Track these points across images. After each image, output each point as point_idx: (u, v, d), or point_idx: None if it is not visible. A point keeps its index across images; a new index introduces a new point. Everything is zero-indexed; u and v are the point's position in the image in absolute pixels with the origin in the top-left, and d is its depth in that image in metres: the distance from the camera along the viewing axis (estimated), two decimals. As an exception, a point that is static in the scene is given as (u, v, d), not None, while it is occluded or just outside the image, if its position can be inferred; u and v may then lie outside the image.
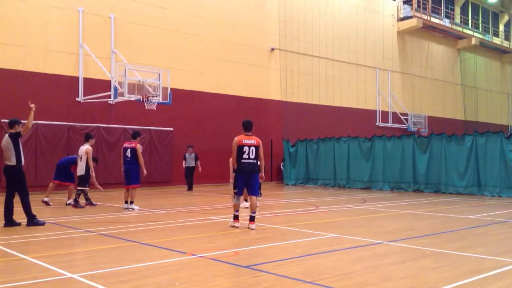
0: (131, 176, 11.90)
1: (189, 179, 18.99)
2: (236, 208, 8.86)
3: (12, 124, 9.19)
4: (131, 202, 11.99)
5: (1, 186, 14.24)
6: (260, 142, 8.82)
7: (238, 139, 8.61)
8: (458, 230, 8.80)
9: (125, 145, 12.24)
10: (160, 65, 18.54)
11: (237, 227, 8.74)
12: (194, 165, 18.90)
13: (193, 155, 18.96)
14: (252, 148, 8.57)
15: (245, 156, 8.52)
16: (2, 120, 16.05)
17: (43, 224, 9.08)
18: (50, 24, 17.75)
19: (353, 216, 11.04)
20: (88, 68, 18.46)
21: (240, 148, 8.53)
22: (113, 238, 7.80)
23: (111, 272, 5.48)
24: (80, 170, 12.46)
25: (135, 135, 12.33)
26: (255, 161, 8.63)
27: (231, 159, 8.83)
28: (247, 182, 8.73)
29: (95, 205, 12.68)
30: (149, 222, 9.84)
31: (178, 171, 20.39)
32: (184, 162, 19.01)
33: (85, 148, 12.44)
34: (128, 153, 11.95)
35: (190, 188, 18.93)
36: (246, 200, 11.89)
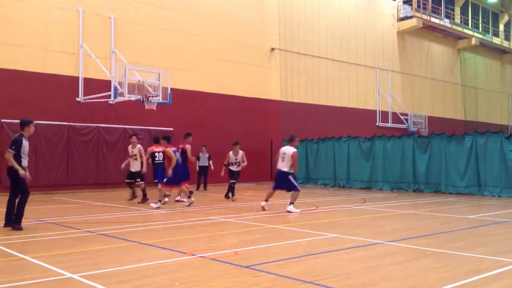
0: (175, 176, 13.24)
1: (204, 178, 19.10)
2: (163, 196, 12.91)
3: (22, 124, 9.03)
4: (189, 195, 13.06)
5: (2, 186, 14.27)
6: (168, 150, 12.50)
7: (150, 148, 13.45)
8: (458, 230, 8.81)
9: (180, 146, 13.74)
10: (160, 65, 18.50)
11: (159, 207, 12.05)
12: (207, 164, 18.89)
13: (206, 154, 18.97)
14: (161, 153, 13.22)
15: (157, 159, 13.39)
16: (2, 120, 16.03)
17: (20, 229, 8.59)
18: (50, 24, 17.74)
19: (353, 216, 11.05)
20: (88, 68, 18.44)
21: (153, 154, 13.32)
22: (113, 238, 7.80)
23: (111, 272, 5.48)
24: (137, 167, 13.53)
25: (186, 135, 13.78)
26: (163, 161, 13.02)
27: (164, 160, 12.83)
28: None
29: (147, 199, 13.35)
30: (149, 222, 9.84)
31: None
32: (197, 161, 18.99)
33: (138, 147, 13.59)
34: (178, 155, 13.20)
35: (204, 187, 19.05)
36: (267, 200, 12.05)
